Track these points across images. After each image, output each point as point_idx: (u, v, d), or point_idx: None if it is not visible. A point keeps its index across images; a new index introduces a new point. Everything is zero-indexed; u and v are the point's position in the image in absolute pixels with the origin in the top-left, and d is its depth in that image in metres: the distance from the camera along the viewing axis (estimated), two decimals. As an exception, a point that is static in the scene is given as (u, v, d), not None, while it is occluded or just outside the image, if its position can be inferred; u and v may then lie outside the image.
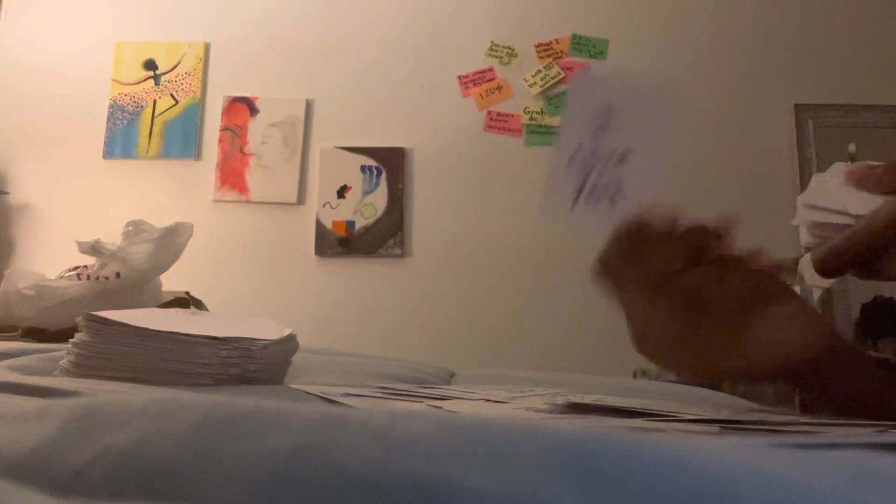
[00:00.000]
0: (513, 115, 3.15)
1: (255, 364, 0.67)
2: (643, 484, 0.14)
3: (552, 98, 3.16)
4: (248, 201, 3.15)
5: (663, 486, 0.14)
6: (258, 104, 3.22)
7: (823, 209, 0.53)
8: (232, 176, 3.16)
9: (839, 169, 0.55)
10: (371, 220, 3.09)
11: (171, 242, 1.26)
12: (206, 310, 1.41)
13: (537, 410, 0.41)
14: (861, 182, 0.51)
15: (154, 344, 0.63)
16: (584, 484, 0.14)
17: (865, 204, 0.49)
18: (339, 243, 3.08)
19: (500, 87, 3.18)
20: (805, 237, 0.54)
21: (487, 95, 3.17)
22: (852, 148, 2.55)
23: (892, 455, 0.20)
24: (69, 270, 1.28)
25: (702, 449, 0.15)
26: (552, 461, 0.14)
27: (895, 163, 0.49)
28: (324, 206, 3.10)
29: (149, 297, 1.28)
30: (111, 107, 3.26)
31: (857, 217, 0.49)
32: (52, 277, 1.27)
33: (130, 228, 1.25)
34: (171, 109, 3.25)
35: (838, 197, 0.52)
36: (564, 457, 0.14)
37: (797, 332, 0.47)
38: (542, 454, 0.14)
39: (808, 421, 0.31)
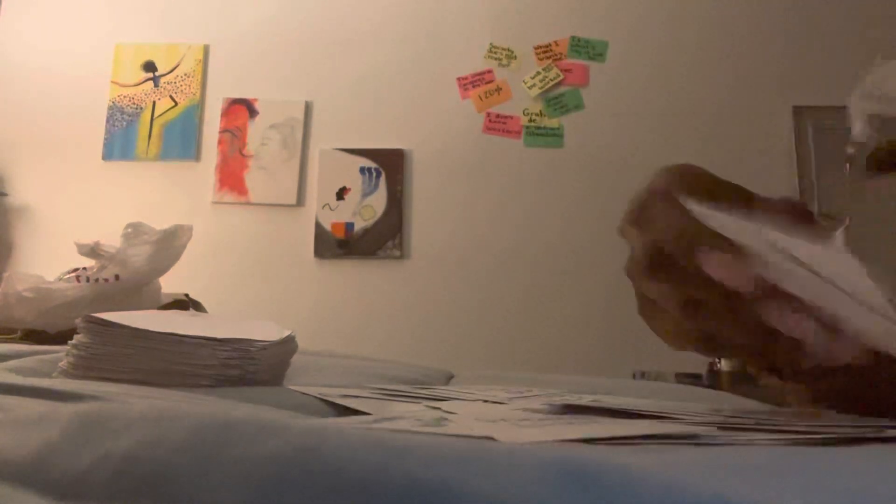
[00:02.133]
0: (512, 117, 3.16)
1: (254, 365, 0.67)
2: (641, 498, 0.14)
3: (551, 100, 3.16)
4: (248, 203, 3.15)
5: (661, 501, 0.14)
6: (257, 106, 3.22)
7: (887, 100, 0.45)
8: (231, 178, 3.17)
9: None
10: (370, 222, 3.09)
11: (170, 244, 1.26)
12: (206, 311, 1.41)
13: (535, 411, 0.41)
14: None
15: (153, 345, 0.63)
16: (582, 494, 0.14)
17: None
18: (338, 245, 3.08)
19: (499, 89, 3.18)
20: (861, 131, 0.48)
21: (486, 97, 3.18)
22: (851, 150, 2.54)
23: (889, 474, 0.20)
24: (68, 272, 1.28)
25: (699, 463, 0.15)
26: (550, 469, 0.14)
27: None
28: (323, 207, 3.11)
29: (148, 298, 1.28)
30: (110, 108, 3.26)
31: None
32: (52, 279, 1.27)
33: (130, 230, 1.25)
34: (171, 111, 3.25)
35: None
36: (563, 465, 0.14)
37: None
38: (540, 463, 0.14)
39: (806, 422, 0.31)
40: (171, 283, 1.39)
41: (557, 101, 3.16)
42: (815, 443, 0.28)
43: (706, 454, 0.25)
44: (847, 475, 0.19)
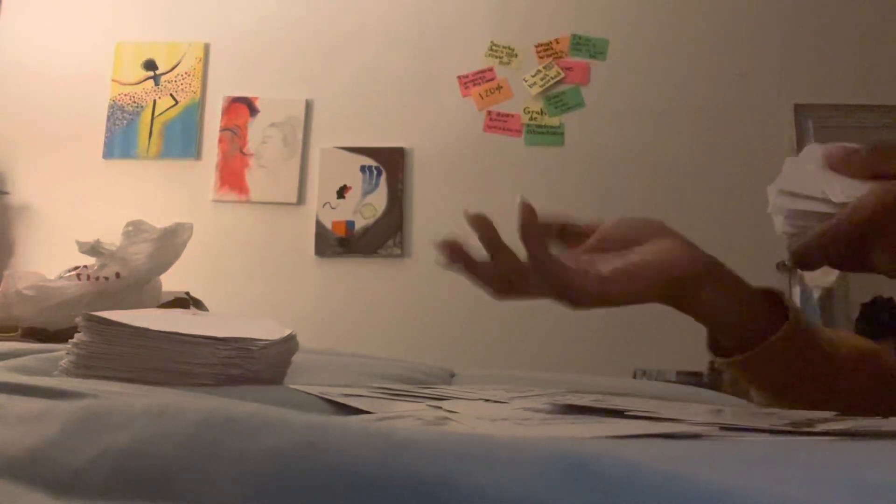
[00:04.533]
0: (512, 115, 3.15)
1: (255, 364, 0.67)
2: (643, 490, 0.14)
3: (552, 98, 3.16)
4: (248, 201, 3.15)
5: (664, 493, 0.14)
6: (258, 104, 3.22)
7: (801, 196, 0.48)
8: (232, 176, 3.17)
9: (815, 152, 0.51)
10: (371, 221, 3.09)
11: (170, 242, 1.26)
12: (206, 310, 1.40)
13: (536, 410, 0.41)
14: (842, 165, 0.48)
15: (154, 344, 0.63)
16: (584, 487, 0.14)
17: (847, 190, 0.45)
18: (338, 243, 3.08)
19: (499, 87, 3.18)
20: (781, 226, 0.51)
21: (487, 95, 3.17)
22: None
23: (890, 466, 0.20)
24: (69, 271, 1.28)
25: (701, 456, 0.15)
26: (552, 464, 0.14)
27: (878, 146, 0.46)
28: (324, 206, 3.11)
29: (149, 297, 1.28)
30: (111, 107, 3.26)
31: (840, 204, 0.45)
32: (52, 277, 1.27)
33: (130, 229, 1.25)
34: (171, 109, 3.25)
35: (817, 182, 0.48)
36: (565, 459, 0.14)
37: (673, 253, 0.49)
38: (542, 457, 0.14)
39: (808, 427, 0.31)
40: (171, 282, 1.39)
41: (558, 99, 3.16)
42: (817, 437, 0.28)
43: (708, 448, 0.25)
44: (849, 468, 0.19)
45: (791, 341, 0.50)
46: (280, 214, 3.13)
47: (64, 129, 3.23)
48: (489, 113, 3.16)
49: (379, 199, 3.10)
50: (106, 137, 3.23)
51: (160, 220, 1.30)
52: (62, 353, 0.65)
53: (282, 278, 3.07)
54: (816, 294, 2.84)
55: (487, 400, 0.50)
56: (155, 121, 3.24)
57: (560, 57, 3.19)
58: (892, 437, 0.28)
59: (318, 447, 0.15)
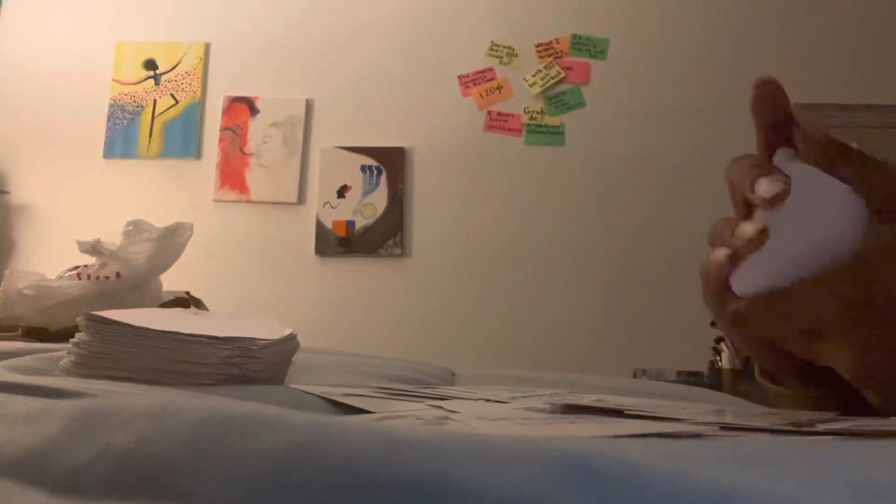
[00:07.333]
0: (513, 115, 3.15)
1: (255, 364, 0.67)
2: (643, 490, 0.14)
3: (552, 98, 3.16)
4: (249, 201, 3.15)
5: (664, 493, 0.14)
6: (258, 104, 3.22)
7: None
8: (232, 176, 3.17)
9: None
10: (371, 220, 3.09)
11: (171, 242, 1.26)
12: (207, 309, 1.40)
13: (537, 410, 0.41)
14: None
15: (155, 344, 0.63)
16: (584, 487, 0.14)
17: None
18: (339, 243, 3.08)
19: (500, 87, 3.18)
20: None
21: (487, 95, 3.17)
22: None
23: (890, 466, 0.20)
24: (69, 270, 1.28)
25: (702, 455, 0.15)
26: (552, 463, 0.14)
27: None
28: (324, 205, 3.11)
29: (149, 296, 1.28)
30: (111, 106, 3.26)
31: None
32: (53, 277, 1.27)
33: (131, 228, 1.25)
34: (172, 109, 3.25)
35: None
36: (566, 458, 0.14)
37: None
38: (544, 455, 0.14)
39: (808, 427, 0.31)
40: (171, 281, 1.39)
41: (558, 98, 3.16)
42: (817, 436, 0.28)
43: (709, 447, 0.25)
44: (849, 467, 0.19)
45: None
46: (280, 214, 3.13)
47: (64, 129, 3.23)
48: (489, 113, 3.16)
49: (379, 199, 3.10)
50: (106, 137, 3.23)
51: (160, 220, 1.30)
52: (62, 352, 0.65)
53: (282, 278, 3.07)
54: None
55: (488, 400, 0.50)
56: (155, 120, 3.24)
57: (560, 57, 3.19)
58: (893, 437, 0.28)
59: (317, 447, 0.15)
